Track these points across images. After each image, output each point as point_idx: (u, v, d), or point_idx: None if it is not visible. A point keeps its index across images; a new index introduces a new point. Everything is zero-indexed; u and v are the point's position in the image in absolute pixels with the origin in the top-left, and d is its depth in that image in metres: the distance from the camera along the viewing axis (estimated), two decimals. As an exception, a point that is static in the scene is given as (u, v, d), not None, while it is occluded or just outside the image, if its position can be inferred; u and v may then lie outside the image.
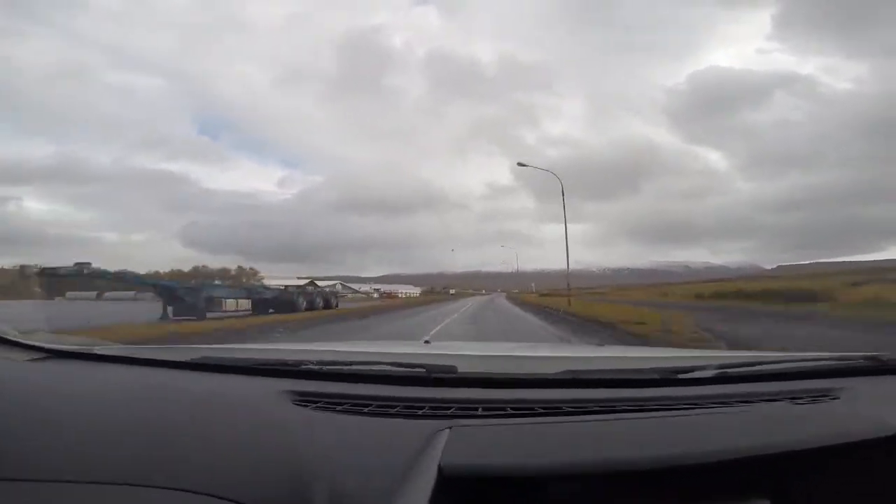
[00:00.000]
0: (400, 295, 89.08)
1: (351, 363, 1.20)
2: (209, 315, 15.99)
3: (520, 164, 24.84)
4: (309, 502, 0.64)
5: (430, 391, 1.03)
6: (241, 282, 52.21)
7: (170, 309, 15.51)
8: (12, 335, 1.25)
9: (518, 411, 0.93)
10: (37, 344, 1.24)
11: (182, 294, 16.29)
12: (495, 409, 0.93)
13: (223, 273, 63.43)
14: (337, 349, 1.70)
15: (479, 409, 0.93)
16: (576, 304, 23.96)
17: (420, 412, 0.91)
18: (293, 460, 0.73)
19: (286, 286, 26.75)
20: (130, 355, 1.31)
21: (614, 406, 0.95)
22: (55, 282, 16.74)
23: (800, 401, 1.01)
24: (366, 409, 0.93)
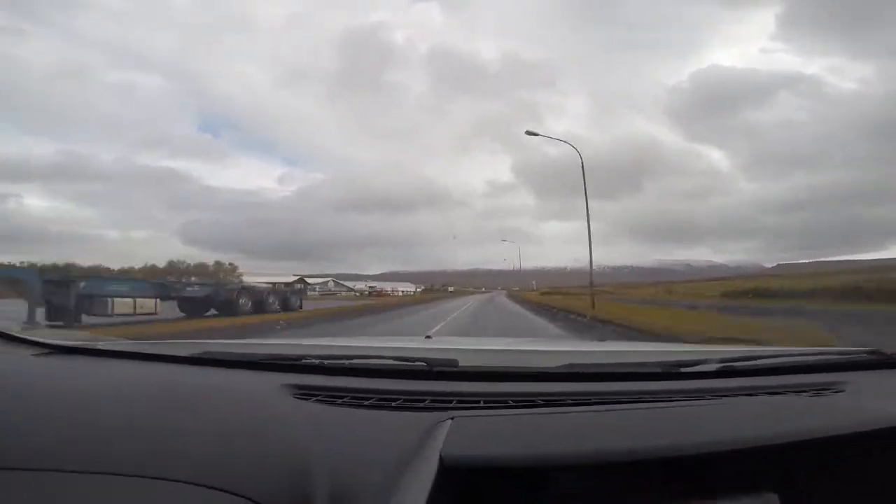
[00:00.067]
0: (394, 293, 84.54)
1: (352, 357, 1.20)
2: (92, 319, 12.48)
3: (529, 133, 21.19)
4: (310, 495, 0.65)
5: (431, 384, 1.03)
6: (219, 278, 49.61)
7: (41, 311, 11.62)
8: (16, 331, 1.25)
9: (519, 404, 0.93)
10: (40, 340, 1.24)
11: (49, 290, 12.03)
12: (497, 402, 0.93)
13: (200, 269, 59.69)
14: (338, 344, 1.71)
15: (481, 402, 0.93)
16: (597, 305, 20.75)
17: (421, 405, 0.91)
18: (294, 453, 0.73)
19: (216, 283, 21.52)
20: (133, 350, 1.31)
21: (616, 398, 0.95)
22: None
23: (803, 394, 1.00)
24: (366, 402, 0.93)
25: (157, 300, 14.66)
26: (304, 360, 1.17)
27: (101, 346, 1.33)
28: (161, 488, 0.60)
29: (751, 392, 1.01)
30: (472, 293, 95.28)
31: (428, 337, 2.05)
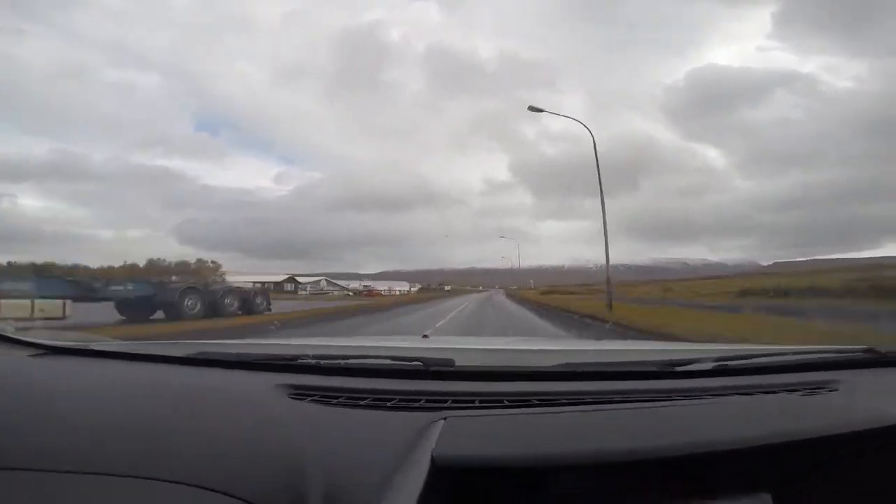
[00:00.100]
0: (388, 292, 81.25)
1: (348, 357, 1.19)
2: None
3: (532, 109, 19.00)
4: (304, 495, 0.65)
5: (427, 384, 1.02)
6: (202, 277, 45.16)
7: None
8: (10, 332, 1.24)
9: (514, 403, 0.93)
10: (35, 340, 1.23)
11: None
12: (492, 402, 0.93)
13: (182, 267, 52.34)
14: (334, 344, 1.70)
15: (476, 402, 0.93)
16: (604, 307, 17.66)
17: (416, 405, 0.91)
18: (288, 453, 0.73)
19: (159, 282, 17.15)
20: (128, 351, 1.30)
21: (611, 398, 0.95)
22: None
23: (798, 393, 1.01)
24: (362, 402, 0.93)
25: (67, 302, 12.08)
26: (299, 360, 1.17)
27: (94, 346, 1.32)
28: (156, 489, 0.60)
29: (745, 391, 1.01)
30: (469, 292, 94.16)
31: (425, 336, 2.05)
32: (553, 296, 43.53)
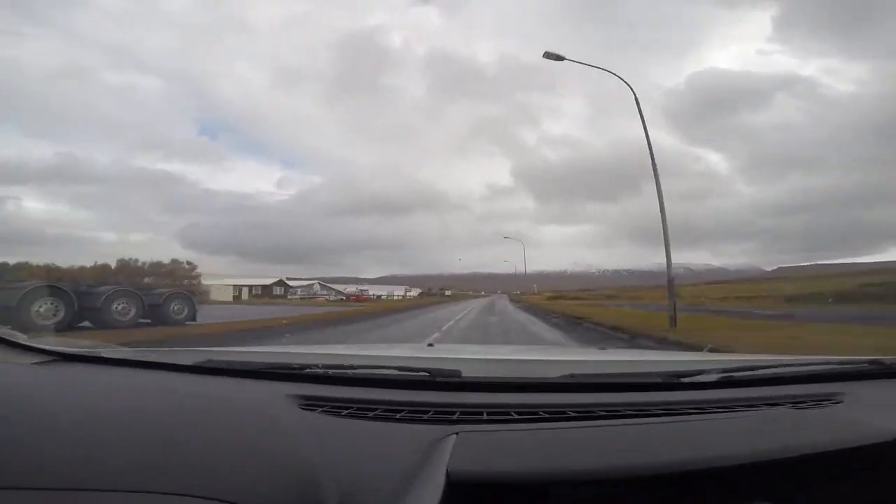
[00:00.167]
0: (385, 297, 76.57)
1: (356, 367, 1.19)
2: None
3: (548, 56, 14.49)
4: None
5: (434, 395, 1.02)
6: (177, 279, 42.37)
7: None
8: (19, 338, 1.24)
9: (522, 416, 0.92)
10: (43, 347, 1.23)
11: None
12: (500, 414, 0.93)
13: (156, 268, 47.35)
14: (342, 353, 1.70)
15: (484, 414, 0.93)
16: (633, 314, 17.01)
17: (425, 417, 0.91)
18: (300, 465, 0.72)
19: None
20: (136, 358, 1.30)
21: (618, 410, 0.95)
22: None
23: (802, 405, 1.00)
24: (370, 414, 0.92)
25: None
26: (308, 370, 1.16)
27: (103, 353, 1.32)
28: (164, 502, 0.60)
29: (750, 403, 1.00)
30: (472, 297, 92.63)
31: (430, 345, 2.04)
32: (562, 302, 40.78)
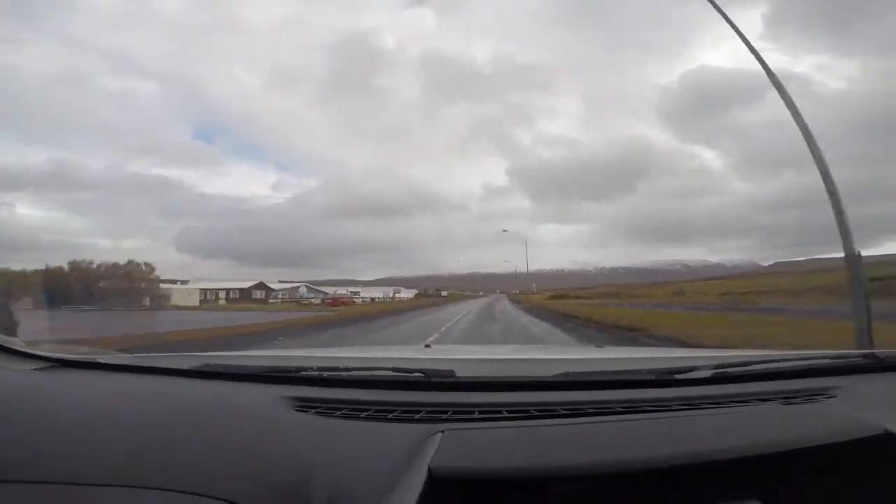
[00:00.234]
0: (371, 300, 69.04)
1: (350, 369, 1.21)
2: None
3: None
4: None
5: (427, 395, 1.04)
6: (134, 282, 39.56)
7: None
8: (18, 345, 1.25)
9: (513, 414, 0.94)
10: (42, 353, 1.25)
11: None
12: (491, 413, 0.95)
13: (112, 270, 42.32)
14: (337, 355, 1.71)
15: (476, 413, 0.95)
16: (666, 318, 13.81)
17: (417, 416, 0.93)
18: (292, 465, 0.75)
19: None
20: (134, 364, 1.32)
21: (610, 408, 0.96)
22: None
23: (795, 400, 1.01)
24: (363, 414, 0.94)
25: None
26: (303, 372, 1.18)
27: (101, 359, 1.33)
28: (160, 499, 0.62)
29: (743, 399, 1.02)
30: (469, 297, 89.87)
31: (427, 346, 2.06)
32: (568, 302, 37.31)
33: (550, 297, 51.06)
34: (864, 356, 1.23)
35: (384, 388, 1.09)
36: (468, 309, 28.33)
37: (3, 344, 1.21)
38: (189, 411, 0.94)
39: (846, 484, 0.75)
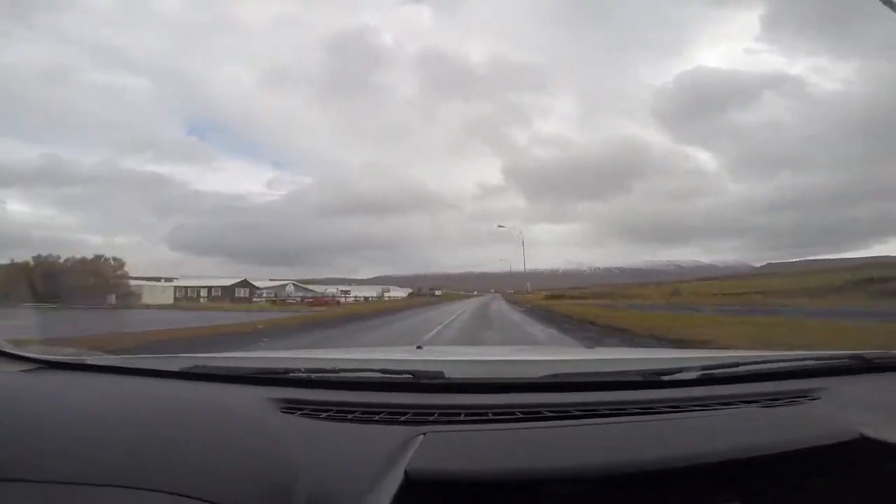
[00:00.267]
0: (350, 299, 66.09)
1: (339, 370, 1.20)
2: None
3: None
4: None
5: (415, 397, 1.04)
6: (100, 277, 37.80)
7: None
8: (3, 346, 1.25)
9: (499, 416, 0.94)
10: (28, 355, 1.24)
11: None
12: (477, 415, 0.95)
13: (79, 265, 40.21)
14: (326, 357, 1.71)
15: (462, 415, 0.95)
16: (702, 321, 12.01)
17: (402, 418, 0.93)
18: (277, 467, 0.76)
19: None
20: (122, 365, 1.31)
21: (595, 410, 0.96)
22: None
23: (779, 402, 1.02)
24: (350, 416, 0.95)
25: None
26: (291, 374, 1.18)
27: (88, 361, 1.33)
28: (145, 499, 0.63)
29: (729, 400, 1.03)
30: (464, 297, 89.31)
31: (419, 347, 2.06)
32: (567, 303, 34.18)
33: (548, 297, 48.63)
34: (852, 357, 1.24)
35: (372, 390, 1.08)
36: (465, 308, 28.03)
37: None
38: (176, 412, 0.94)
39: (827, 487, 0.75)
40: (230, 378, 1.19)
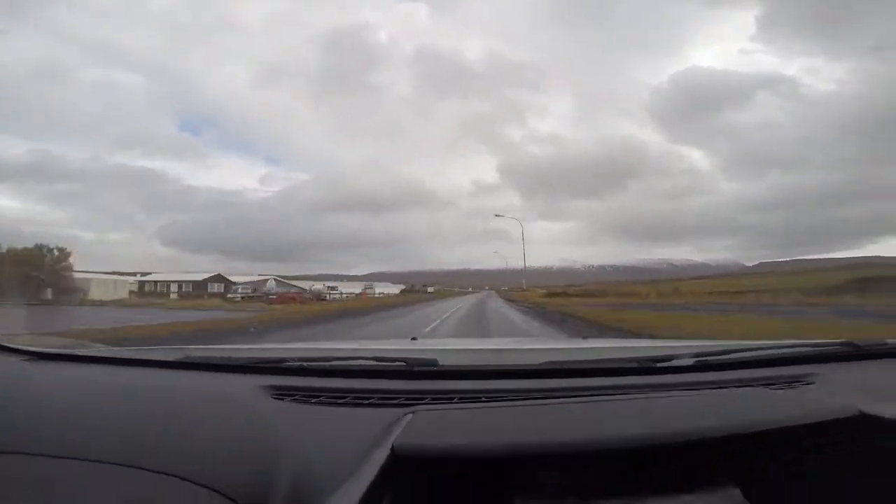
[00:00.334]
0: (337, 296, 53.47)
1: (332, 359, 1.20)
2: None
3: None
4: (271, 484, 0.69)
5: (409, 383, 1.04)
6: (38, 270, 33.43)
7: None
8: None
9: (492, 399, 0.94)
10: (19, 347, 1.24)
11: None
12: (470, 399, 0.95)
13: (10, 255, 34.94)
14: (320, 347, 1.71)
15: (455, 399, 0.95)
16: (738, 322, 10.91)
17: (394, 402, 0.93)
18: (262, 447, 0.77)
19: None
20: (113, 356, 1.31)
21: (590, 393, 0.96)
22: None
23: (773, 387, 1.03)
24: (341, 401, 0.95)
25: None
26: (284, 363, 1.18)
27: (80, 352, 1.33)
28: (127, 475, 0.66)
29: (723, 385, 1.03)
30: (459, 294, 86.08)
31: (413, 339, 2.06)
32: (569, 301, 29.84)
33: (549, 295, 44.45)
34: (843, 344, 1.25)
35: (364, 378, 1.08)
36: (460, 305, 25.18)
37: None
38: (164, 399, 0.95)
39: (824, 466, 0.75)
40: (221, 367, 1.19)
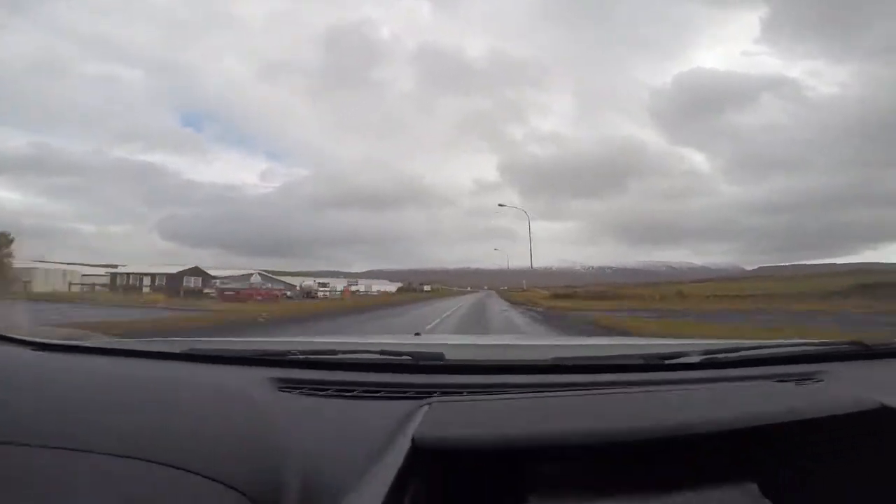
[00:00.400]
0: (327, 292, 47.41)
1: (338, 352, 1.20)
2: None
3: None
4: (284, 477, 0.68)
5: (416, 377, 1.04)
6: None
7: None
8: (1, 330, 1.23)
9: (502, 394, 0.94)
10: (26, 338, 1.24)
11: None
12: (480, 393, 0.95)
13: None
14: (325, 340, 1.71)
15: (465, 393, 0.95)
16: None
17: (404, 395, 0.93)
18: (273, 439, 0.76)
19: None
20: (119, 347, 1.31)
21: (601, 388, 0.97)
22: None
23: (784, 383, 1.02)
24: (350, 394, 0.94)
25: None
26: (289, 356, 1.18)
27: (86, 343, 1.32)
28: (142, 468, 0.64)
29: (733, 382, 1.03)
30: (457, 294, 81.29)
31: (417, 334, 2.06)
32: (586, 304, 24.71)
33: (554, 297, 37.91)
34: (852, 343, 1.25)
35: (372, 371, 1.08)
36: (457, 307, 21.80)
37: None
38: (171, 391, 0.94)
39: (842, 461, 0.75)
40: (227, 360, 1.19)
